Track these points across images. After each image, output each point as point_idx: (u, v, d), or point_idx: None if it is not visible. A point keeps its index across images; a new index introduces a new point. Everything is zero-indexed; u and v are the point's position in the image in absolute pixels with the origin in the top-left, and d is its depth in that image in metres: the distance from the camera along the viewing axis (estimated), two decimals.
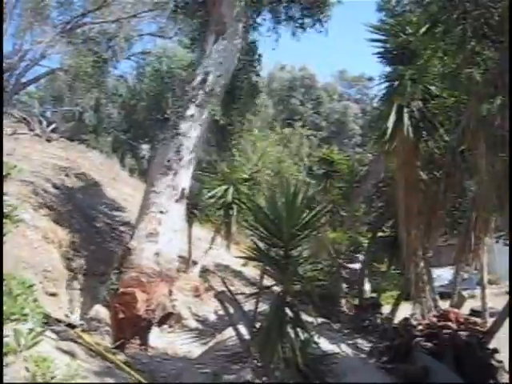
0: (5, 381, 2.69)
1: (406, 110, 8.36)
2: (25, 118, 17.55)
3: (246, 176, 13.42)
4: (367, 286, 12.41)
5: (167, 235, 8.95)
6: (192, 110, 9.72)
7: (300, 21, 13.55)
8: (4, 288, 2.80)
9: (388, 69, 9.20)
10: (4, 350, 2.44)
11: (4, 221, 3.02)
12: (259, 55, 14.17)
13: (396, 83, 8.67)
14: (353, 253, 12.95)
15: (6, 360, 2.58)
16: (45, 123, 19.18)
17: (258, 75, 14.49)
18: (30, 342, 2.54)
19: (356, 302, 11.92)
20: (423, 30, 7.04)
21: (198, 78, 10.06)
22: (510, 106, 6.25)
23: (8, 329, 2.61)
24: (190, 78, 10.79)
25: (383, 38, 9.09)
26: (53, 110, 27.31)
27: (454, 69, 7.51)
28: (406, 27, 8.74)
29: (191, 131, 9.59)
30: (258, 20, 13.51)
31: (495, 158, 6.79)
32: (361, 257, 12.79)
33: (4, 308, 2.62)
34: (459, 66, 7.17)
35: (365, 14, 13.87)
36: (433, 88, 8.71)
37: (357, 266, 12.54)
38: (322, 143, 33.08)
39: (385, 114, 8.64)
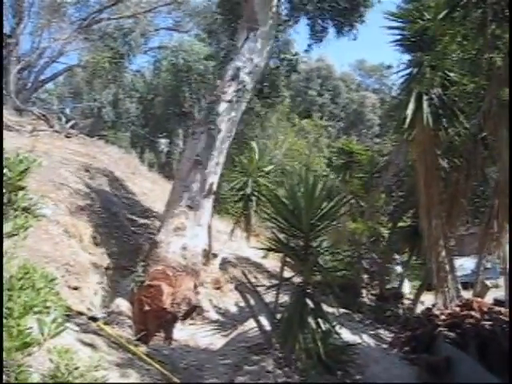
0: (30, 371, 2.73)
1: (425, 97, 8.26)
2: (44, 115, 17.69)
3: (265, 168, 13.39)
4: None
5: (194, 230, 9.03)
6: (223, 106, 9.76)
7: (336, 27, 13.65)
8: (27, 281, 2.82)
9: (406, 56, 9.10)
10: (27, 341, 2.46)
11: (25, 215, 3.03)
12: (295, 53, 14.40)
13: (415, 70, 8.57)
14: (373, 243, 12.86)
15: (29, 351, 2.60)
16: (64, 120, 19.33)
17: (295, 71, 14.71)
18: (53, 331, 2.56)
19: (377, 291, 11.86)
20: (442, 14, 6.90)
21: (229, 75, 10.08)
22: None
23: (31, 321, 2.63)
24: (220, 74, 10.82)
25: (401, 24, 8.97)
26: (71, 106, 27.61)
27: (474, 54, 7.38)
28: (424, 13, 8.61)
29: (221, 127, 9.63)
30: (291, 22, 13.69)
31: None
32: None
33: (26, 300, 2.65)
34: (479, 51, 7.05)
35: (383, 2, 13.66)
36: (452, 74, 8.58)
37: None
38: (340, 134, 32.89)
39: (404, 103, 8.54)
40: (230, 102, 9.79)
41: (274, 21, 11.02)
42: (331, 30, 13.77)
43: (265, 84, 13.86)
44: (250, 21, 10.55)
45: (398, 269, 12.51)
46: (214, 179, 9.50)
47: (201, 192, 9.21)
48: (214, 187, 9.58)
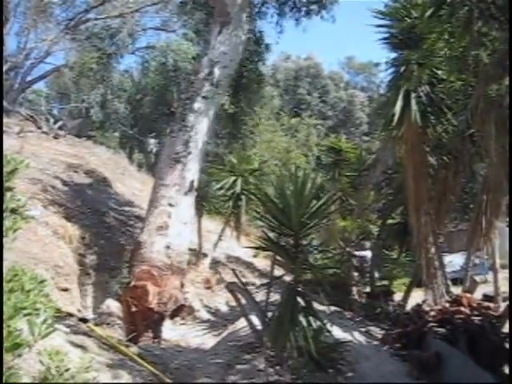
0: (20, 374, 2.71)
1: (413, 95, 8.29)
2: (32, 116, 17.60)
3: (254, 167, 13.38)
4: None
5: (177, 228, 8.95)
6: (199, 102, 9.69)
7: (305, 8, 13.54)
8: (16, 284, 2.80)
9: (394, 54, 9.14)
10: (17, 342, 2.44)
11: (14, 217, 3.00)
12: (266, 45, 14.30)
13: (402, 68, 8.60)
14: (363, 241, 12.90)
15: (19, 353, 2.58)
16: (52, 120, 19.24)
17: (264, 64, 14.56)
18: (43, 332, 2.54)
19: (367, 289, 11.90)
20: (429, 12, 6.93)
21: (204, 70, 10.01)
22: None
23: (20, 323, 2.61)
24: (195, 71, 10.77)
25: (389, 23, 9.01)
26: (59, 107, 27.41)
27: (460, 51, 7.42)
28: (411, 11, 8.66)
29: (198, 123, 9.56)
30: (263, 9, 13.62)
31: (505, 139, 6.70)
32: (371, 244, 12.77)
33: (15, 303, 2.63)
34: (466, 48, 7.09)
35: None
36: (440, 72, 8.63)
37: (367, 253, 12.52)
38: (329, 132, 32.99)
39: (392, 100, 8.58)
40: (205, 97, 9.72)
41: (246, 13, 10.95)
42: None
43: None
44: (222, 15, 10.48)
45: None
46: (194, 176, 9.41)
47: (181, 189, 9.14)
48: (195, 184, 9.49)
